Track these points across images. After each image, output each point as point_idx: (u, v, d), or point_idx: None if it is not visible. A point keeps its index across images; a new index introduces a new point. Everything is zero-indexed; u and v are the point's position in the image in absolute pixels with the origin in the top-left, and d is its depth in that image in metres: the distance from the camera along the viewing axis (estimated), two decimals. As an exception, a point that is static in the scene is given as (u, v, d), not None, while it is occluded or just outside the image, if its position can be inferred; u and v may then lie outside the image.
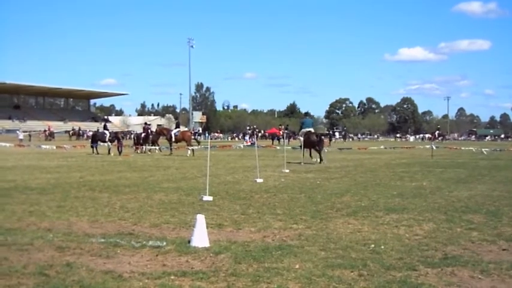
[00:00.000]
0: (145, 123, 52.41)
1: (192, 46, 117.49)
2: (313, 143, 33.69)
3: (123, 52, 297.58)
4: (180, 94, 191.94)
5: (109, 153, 42.82)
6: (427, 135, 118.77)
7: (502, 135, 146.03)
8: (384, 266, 8.18)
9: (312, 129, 35.20)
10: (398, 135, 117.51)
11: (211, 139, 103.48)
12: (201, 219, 9.56)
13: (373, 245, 9.66)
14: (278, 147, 40.35)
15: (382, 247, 9.52)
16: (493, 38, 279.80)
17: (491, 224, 11.99)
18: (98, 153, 43.34)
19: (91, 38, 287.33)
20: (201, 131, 51.71)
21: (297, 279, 7.46)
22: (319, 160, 33.31)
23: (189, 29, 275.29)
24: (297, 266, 8.13)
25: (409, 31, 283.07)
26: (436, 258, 8.75)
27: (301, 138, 34.38)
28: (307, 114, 53.50)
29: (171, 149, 44.47)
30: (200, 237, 9.46)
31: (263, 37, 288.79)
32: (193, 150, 41.96)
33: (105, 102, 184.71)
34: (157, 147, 47.31)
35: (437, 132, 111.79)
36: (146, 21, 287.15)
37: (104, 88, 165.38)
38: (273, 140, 77.77)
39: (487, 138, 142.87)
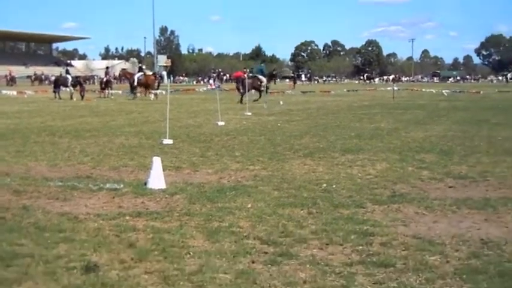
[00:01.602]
0: (107, 67, 51.99)
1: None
2: (253, 87, 38.23)
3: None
4: (145, 38, 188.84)
5: (71, 98, 42.50)
6: (391, 77, 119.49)
7: (457, 77, 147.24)
8: (333, 204, 8.45)
9: (257, 75, 40.09)
10: (362, 77, 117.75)
11: (175, 83, 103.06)
12: (157, 162, 9.73)
13: (325, 185, 9.94)
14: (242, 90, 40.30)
15: (334, 186, 9.81)
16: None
17: (442, 163, 12.35)
18: (60, 98, 43.03)
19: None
20: (165, 75, 51.25)
21: (248, 217, 7.70)
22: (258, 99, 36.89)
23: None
24: (249, 205, 8.38)
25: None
26: (384, 196, 9.06)
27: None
28: (263, 62, 56.45)
29: (134, 93, 44.26)
30: (156, 179, 9.64)
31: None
32: (156, 94, 41.86)
33: (68, 46, 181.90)
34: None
35: (391, 76, 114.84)
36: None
37: (66, 32, 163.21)
38: (237, 83, 77.57)
39: (450, 79, 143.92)
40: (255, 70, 40.95)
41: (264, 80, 38.70)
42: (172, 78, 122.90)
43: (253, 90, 37.33)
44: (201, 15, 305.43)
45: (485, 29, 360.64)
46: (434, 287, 5.26)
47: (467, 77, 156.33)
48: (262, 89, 38.07)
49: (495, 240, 6.65)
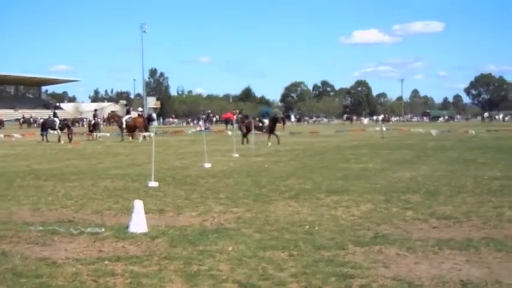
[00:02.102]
0: (95, 110, 52.11)
1: (144, 31, 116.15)
2: (255, 127, 37.87)
3: (75, 39, 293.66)
4: (134, 80, 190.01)
5: (59, 141, 42.48)
6: (380, 117, 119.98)
7: (446, 117, 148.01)
8: (314, 246, 8.41)
9: (261, 117, 40.55)
10: (347, 117, 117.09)
11: (165, 124, 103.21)
12: (138, 205, 9.68)
13: (307, 226, 9.91)
14: (230, 132, 40.47)
15: (317, 228, 9.77)
16: (446, 20, 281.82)
17: (427, 203, 12.34)
18: (47, 141, 43.04)
19: (41, 23, 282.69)
20: (155, 117, 51.41)
21: (228, 260, 7.65)
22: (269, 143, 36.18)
23: (141, 13, 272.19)
24: (230, 248, 8.33)
25: (364, 13, 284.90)
26: (366, 238, 9.02)
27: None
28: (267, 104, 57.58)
29: (122, 135, 44.26)
30: (138, 223, 9.58)
31: (217, 21, 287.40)
32: (144, 136, 41.87)
33: (58, 89, 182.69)
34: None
35: (381, 116, 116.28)
36: (97, 5, 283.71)
37: (56, 75, 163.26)
38: (226, 124, 77.75)
39: (440, 119, 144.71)
40: (265, 114, 41.59)
41: (266, 121, 38.96)
42: (162, 120, 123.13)
43: (255, 131, 37.49)
44: (190, 56, 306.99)
45: (474, 69, 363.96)
46: (412, 330, 5.21)
47: (458, 116, 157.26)
48: (264, 130, 38.67)
49: (475, 282, 6.62)
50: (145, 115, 52.88)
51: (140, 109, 56.07)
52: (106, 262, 7.66)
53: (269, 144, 35.14)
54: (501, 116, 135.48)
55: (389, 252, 8.15)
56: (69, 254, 8.21)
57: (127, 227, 9.68)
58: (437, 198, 13.02)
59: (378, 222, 10.29)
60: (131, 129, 44.49)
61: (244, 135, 38.12)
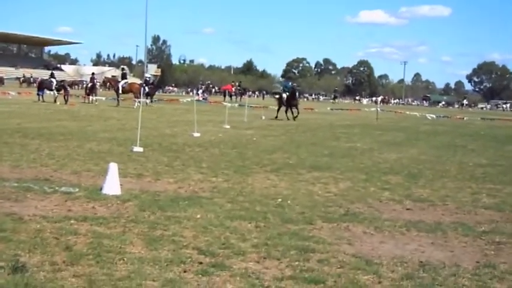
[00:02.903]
0: (92, 74, 51.94)
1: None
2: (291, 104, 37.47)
3: (80, 1, 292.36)
4: (137, 46, 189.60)
5: (55, 101, 42.41)
6: (379, 98, 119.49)
7: (443, 103, 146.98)
8: (282, 219, 8.44)
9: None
10: (334, 96, 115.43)
11: (165, 93, 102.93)
12: (113, 168, 9.70)
13: (280, 200, 9.93)
14: (229, 104, 40.35)
15: (289, 202, 9.80)
16: (453, 5, 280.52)
17: (406, 185, 12.37)
18: (43, 101, 42.99)
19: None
20: (151, 80, 50.93)
21: (193, 227, 7.68)
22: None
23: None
24: (199, 216, 8.36)
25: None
26: (336, 214, 9.05)
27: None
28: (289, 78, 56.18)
29: (118, 100, 44.19)
30: (111, 185, 9.61)
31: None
32: (140, 102, 41.75)
33: (60, 50, 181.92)
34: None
35: (380, 97, 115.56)
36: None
37: (60, 36, 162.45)
38: (224, 96, 77.65)
39: (439, 104, 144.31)
40: (284, 87, 40.61)
41: (284, 96, 38.22)
42: (161, 88, 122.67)
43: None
44: (194, 26, 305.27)
45: (478, 56, 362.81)
46: (359, 306, 5.25)
47: (467, 103, 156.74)
48: (284, 104, 37.91)
49: (434, 264, 6.65)
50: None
51: (147, 75, 55.81)
52: (72, 221, 7.68)
53: (288, 118, 35.74)
54: (508, 105, 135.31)
55: (357, 230, 8.18)
56: (37, 211, 8.24)
57: (100, 189, 9.70)
58: (418, 181, 13.04)
59: (352, 201, 10.32)
60: (127, 94, 44.55)
61: (278, 109, 37.68)
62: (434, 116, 48.62)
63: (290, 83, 42.96)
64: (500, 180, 13.82)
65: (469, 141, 25.86)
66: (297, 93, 39.20)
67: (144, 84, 47.67)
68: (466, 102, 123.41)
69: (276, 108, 38.39)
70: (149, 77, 54.12)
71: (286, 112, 36.81)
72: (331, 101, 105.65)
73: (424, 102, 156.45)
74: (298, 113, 36.67)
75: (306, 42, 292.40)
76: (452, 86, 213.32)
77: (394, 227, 8.46)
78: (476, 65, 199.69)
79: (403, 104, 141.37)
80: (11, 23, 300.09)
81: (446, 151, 20.66)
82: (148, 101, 45.48)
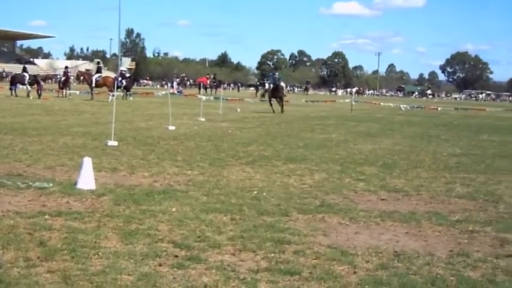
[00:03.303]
0: (66, 67, 51.54)
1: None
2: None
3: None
4: (111, 39, 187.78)
5: (28, 96, 42.08)
6: (354, 90, 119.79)
7: (417, 94, 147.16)
8: (258, 212, 8.45)
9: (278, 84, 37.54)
10: (305, 87, 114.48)
11: (139, 86, 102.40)
12: (87, 162, 9.65)
13: (256, 192, 9.94)
14: (204, 97, 40.09)
15: (265, 194, 9.81)
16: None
17: (381, 176, 12.44)
18: (16, 96, 42.64)
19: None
20: (127, 75, 50.32)
21: (169, 221, 7.67)
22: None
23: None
24: (174, 209, 8.34)
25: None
26: (312, 206, 9.08)
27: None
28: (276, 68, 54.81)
29: (91, 93, 43.93)
30: (86, 180, 9.55)
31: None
32: (114, 95, 41.53)
33: (33, 44, 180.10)
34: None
35: (354, 89, 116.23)
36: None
37: (32, 30, 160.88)
38: (199, 88, 77.43)
39: (414, 95, 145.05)
40: (271, 79, 39.03)
41: (266, 86, 38.26)
42: (136, 82, 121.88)
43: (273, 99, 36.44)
44: (168, 19, 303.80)
45: (452, 47, 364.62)
46: (334, 296, 5.27)
47: (430, 93, 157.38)
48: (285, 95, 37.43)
49: (408, 253, 6.71)
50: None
51: (123, 68, 55.41)
52: (46, 216, 7.64)
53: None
54: (483, 95, 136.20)
55: (332, 221, 8.21)
56: (11, 207, 8.17)
57: (75, 184, 9.64)
58: (392, 172, 13.12)
59: (327, 192, 10.36)
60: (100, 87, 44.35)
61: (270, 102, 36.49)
62: (408, 107, 48.94)
63: (274, 74, 40.86)
64: (474, 170, 13.96)
65: (442, 131, 26.09)
66: (281, 86, 37.40)
67: (120, 78, 47.52)
68: (430, 93, 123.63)
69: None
70: (125, 70, 53.81)
71: (270, 103, 36.24)
72: (303, 92, 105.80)
73: (399, 92, 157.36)
74: (282, 106, 35.94)
75: (280, 34, 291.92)
76: (426, 76, 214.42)
77: (369, 217, 8.51)
78: (450, 56, 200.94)
79: (377, 95, 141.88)
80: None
81: (421, 141, 20.83)
82: (124, 94, 45.36)
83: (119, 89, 45.52)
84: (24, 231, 6.87)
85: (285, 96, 37.48)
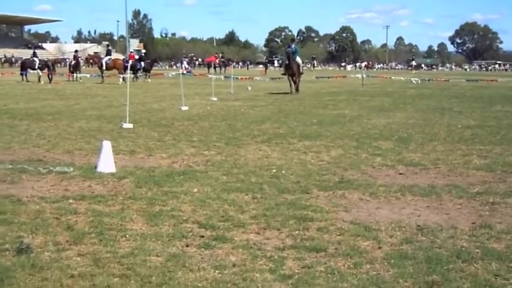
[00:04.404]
0: (76, 51, 51.57)
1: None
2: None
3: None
4: (118, 21, 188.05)
5: (39, 81, 42.21)
6: (363, 64, 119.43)
7: (424, 66, 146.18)
8: (279, 190, 8.51)
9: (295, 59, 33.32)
10: (312, 64, 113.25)
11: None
12: (107, 146, 9.72)
13: (274, 170, 10.00)
14: (215, 76, 39.85)
15: (283, 172, 9.87)
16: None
17: (397, 150, 12.45)
18: (27, 81, 42.77)
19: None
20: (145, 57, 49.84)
21: (191, 202, 7.74)
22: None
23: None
24: (195, 190, 8.41)
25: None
26: (331, 182, 9.12)
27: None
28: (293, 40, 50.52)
29: (102, 77, 44.00)
30: (106, 163, 9.63)
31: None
32: (124, 78, 41.62)
33: (40, 29, 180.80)
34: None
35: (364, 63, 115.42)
36: None
37: (39, 14, 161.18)
38: (209, 68, 77.29)
39: (423, 67, 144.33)
40: (284, 54, 35.65)
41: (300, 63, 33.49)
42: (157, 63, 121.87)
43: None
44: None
45: (460, 17, 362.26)
46: (361, 271, 5.33)
47: (443, 65, 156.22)
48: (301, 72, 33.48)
49: (431, 227, 6.75)
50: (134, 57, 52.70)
51: (143, 50, 55.03)
52: (70, 201, 7.73)
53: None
54: (497, 66, 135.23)
55: (352, 197, 8.26)
56: (35, 192, 8.26)
57: (95, 167, 9.72)
58: (408, 146, 13.13)
59: (345, 168, 10.40)
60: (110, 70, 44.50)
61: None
62: (419, 80, 48.74)
63: (289, 46, 34.67)
64: (490, 141, 13.95)
65: (455, 103, 26.01)
66: (296, 62, 32.80)
67: (139, 60, 47.83)
68: (414, 64, 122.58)
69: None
70: (144, 52, 53.55)
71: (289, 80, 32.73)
72: (312, 68, 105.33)
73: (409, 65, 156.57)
74: (297, 84, 32.68)
75: (287, 11, 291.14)
76: (436, 48, 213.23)
77: (389, 192, 8.55)
78: (459, 26, 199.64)
79: (386, 68, 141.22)
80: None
81: (434, 114, 20.79)
82: (135, 76, 45.54)
83: (138, 71, 45.87)
84: (51, 216, 6.96)
85: (301, 73, 33.68)
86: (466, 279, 5.15)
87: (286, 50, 35.07)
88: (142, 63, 48.25)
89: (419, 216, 7.25)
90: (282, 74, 34.30)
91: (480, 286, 5.02)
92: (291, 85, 32.34)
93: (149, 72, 48.67)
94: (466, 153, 12.11)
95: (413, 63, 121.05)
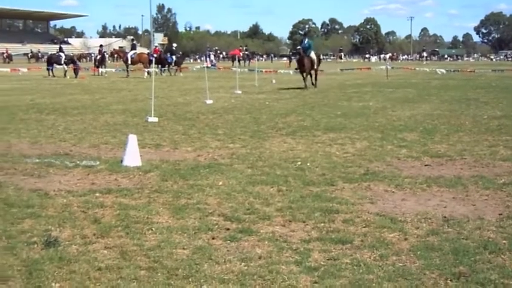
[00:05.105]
0: (101, 46, 51.92)
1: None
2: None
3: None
4: (142, 15, 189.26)
5: (65, 76, 42.54)
6: (387, 56, 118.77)
7: (448, 58, 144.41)
8: (304, 182, 8.51)
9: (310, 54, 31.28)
10: (339, 56, 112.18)
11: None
12: (132, 139, 9.78)
13: (299, 163, 9.99)
14: (239, 69, 39.78)
15: (308, 164, 9.86)
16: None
17: (423, 142, 12.38)
18: (53, 76, 43.13)
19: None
20: (176, 51, 49.74)
21: (217, 195, 7.77)
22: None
23: None
24: (221, 183, 8.44)
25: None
26: (356, 174, 9.10)
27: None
28: (305, 35, 49.61)
29: (127, 71, 44.23)
30: (132, 157, 9.69)
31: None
32: (149, 72, 41.80)
33: (66, 24, 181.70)
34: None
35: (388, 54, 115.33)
36: None
37: (64, 10, 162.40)
38: (233, 61, 77.38)
39: (448, 58, 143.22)
40: (302, 46, 32.16)
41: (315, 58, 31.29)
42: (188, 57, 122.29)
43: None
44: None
45: (485, 7, 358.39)
46: (387, 263, 5.32)
47: (468, 56, 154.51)
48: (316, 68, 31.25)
49: (458, 218, 6.71)
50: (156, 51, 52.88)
51: (174, 44, 55.13)
52: (97, 194, 7.79)
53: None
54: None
55: (378, 188, 8.24)
56: (62, 186, 8.35)
57: (121, 161, 9.79)
58: (434, 137, 13.05)
59: (370, 160, 10.36)
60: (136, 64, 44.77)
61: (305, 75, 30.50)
62: (444, 71, 48.38)
63: (303, 42, 33.21)
64: (516, 132, 13.82)
65: (481, 94, 25.76)
66: (309, 58, 30.74)
67: (169, 54, 48.11)
68: (426, 55, 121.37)
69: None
70: (175, 46, 53.61)
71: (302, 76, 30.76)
72: (339, 60, 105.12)
73: (433, 56, 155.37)
74: (313, 78, 30.95)
75: (311, 3, 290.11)
76: (460, 38, 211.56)
77: (415, 183, 8.51)
78: (484, 16, 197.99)
79: (411, 59, 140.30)
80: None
81: (459, 105, 20.62)
82: (166, 70, 45.95)
83: (170, 65, 46.23)
84: (77, 209, 7.03)
85: (315, 69, 31.30)
86: (493, 270, 5.12)
87: (297, 48, 34.22)
88: (174, 57, 48.54)
89: (445, 208, 7.21)
90: (296, 69, 32.97)
91: (508, 277, 4.99)
92: (304, 79, 30.30)
93: (179, 66, 48.89)
94: (492, 144, 12.00)
95: (424, 54, 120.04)
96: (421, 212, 6.95)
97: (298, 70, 31.58)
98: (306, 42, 32.75)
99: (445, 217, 6.76)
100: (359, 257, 5.47)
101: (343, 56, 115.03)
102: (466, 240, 5.95)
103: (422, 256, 5.46)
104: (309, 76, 30.69)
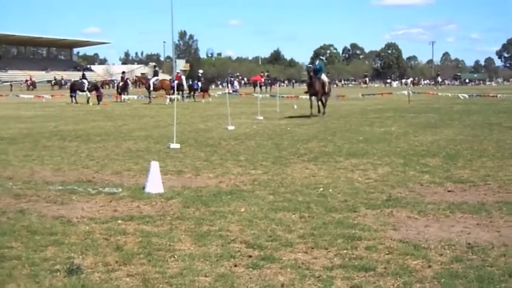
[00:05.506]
0: (123, 72, 52.35)
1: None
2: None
3: (106, 1, 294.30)
4: (164, 42, 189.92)
5: (88, 102, 42.90)
6: (408, 80, 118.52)
7: (469, 82, 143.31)
8: (326, 209, 8.48)
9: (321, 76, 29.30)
10: (365, 81, 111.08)
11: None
12: (155, 166, 9.81)
13: (321, 189, 9.97)
14: (260, 95, 39.73)
15: (330, 190, 9.83)
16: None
17: (445, 167, 12.29)
18: (76, 103, 43.49)
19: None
20: (184, 79, 50.46)
21: (239, 221, 7.76)
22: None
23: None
24: (243, 210, 8.43)
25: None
26: (379, 201, 9.05)
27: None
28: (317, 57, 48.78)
29: (149, 97, 44.52)
30: (154, 184, 9.73)
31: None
32: (171, 98, 42.04)
33: (89, 51, 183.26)
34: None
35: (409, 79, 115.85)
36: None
37: (88, 37, 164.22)
38: (254, 87, 77.60)
39: (470, 83, 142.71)
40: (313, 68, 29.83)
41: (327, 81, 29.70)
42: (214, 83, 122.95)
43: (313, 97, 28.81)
44: (220, 19, 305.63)
45: (507, 31, 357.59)
46: (411, 291, 5.28)
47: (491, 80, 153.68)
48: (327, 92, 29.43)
49: (482, 245, 6.64)
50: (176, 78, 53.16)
51: (201, 71, 55.56)
52: (119, 221, 7.82)
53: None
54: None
55: (400, 215, 8.19)
56: (84, 213, 8.39)
57: (143, 188, 9.82)
58: (456, 162, 12.96)
59: (393, 185, 10.31)
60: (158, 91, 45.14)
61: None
62: (466, 96, 48.15)
63: (313, 63, 32.19)
64: (541, 157, 13.69)
65: (504, 119, 25.57)
66: (320, 81, 28.73)
67: (196, 81, 48.60)
68: (440, 80, 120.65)
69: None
70: (201, 73, 53.96)
71: (310, 101, 28.86)
72: (364, 85, 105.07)
73: (455, 81, 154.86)
74: (324, 105, 29.10)
75: (332, 28, 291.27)
76: (482, 63, 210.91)
77: (438, 209, 8.45)
78: (506, 40, 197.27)
79: (433, 84, 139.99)
80: (38, 27, 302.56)
81: (482, 130, 20.48)
82: (198, 95, 46.51)
83: (196, 91, 46.80)
84: (100, 237, 7.05)
85: (327, 94, 29.50)
86: (518, 299, 5.06)
87: (306, 67, 32.14)
88: (200, 83, 49.04)
89: (469, 234, 7.15)
90: (305, 93, 30.60)
91: (533, 306, 4.93)
92: (311, 106, 28.31)
93: (207, 91, 49.33)
94: (516, 170, 11.90)
95: (439, 79, 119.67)
96: (444, 239, 6.89)
97: (308, 94, 29.37)
98: (317, 63, 31.60)
99: (469, 244, 6.70)
100: (382, 284, 5.43)
101: (367, 81, 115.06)
102: (491, 267, 5.88)
103: (447, 284, 5.41)
104: (318, 102, 28.76)
